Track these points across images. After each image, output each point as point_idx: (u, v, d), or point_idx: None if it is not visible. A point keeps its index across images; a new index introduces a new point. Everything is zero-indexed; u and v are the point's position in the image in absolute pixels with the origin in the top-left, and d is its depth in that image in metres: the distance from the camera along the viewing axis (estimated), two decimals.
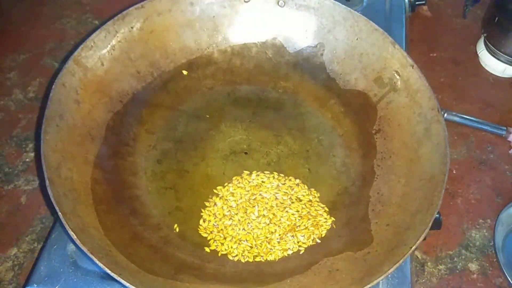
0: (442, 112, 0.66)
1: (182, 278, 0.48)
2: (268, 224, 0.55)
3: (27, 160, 0.71)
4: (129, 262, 0.47)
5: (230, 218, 0.55)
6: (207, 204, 0.57)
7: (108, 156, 0.57)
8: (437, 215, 0.55)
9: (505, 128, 0.73)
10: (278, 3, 0.66)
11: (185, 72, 0.67)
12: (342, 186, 0.59)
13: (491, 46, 0.81)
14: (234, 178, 0.59)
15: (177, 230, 0.55)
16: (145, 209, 0.56)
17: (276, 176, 0.59)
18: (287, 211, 0.56)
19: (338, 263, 0.50)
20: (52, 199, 0.45)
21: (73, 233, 0.44)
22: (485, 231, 0.65)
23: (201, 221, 0.55)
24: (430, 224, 0.47)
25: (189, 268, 0.50)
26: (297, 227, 0.55)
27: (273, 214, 0.56)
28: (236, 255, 0.53)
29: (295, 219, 0.55)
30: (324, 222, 0.55)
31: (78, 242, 0.43)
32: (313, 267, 0.51)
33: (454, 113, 0.75)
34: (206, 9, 0.66)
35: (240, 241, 0.54)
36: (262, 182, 0.58)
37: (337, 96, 0.66)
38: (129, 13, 0.61)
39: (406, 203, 0.53)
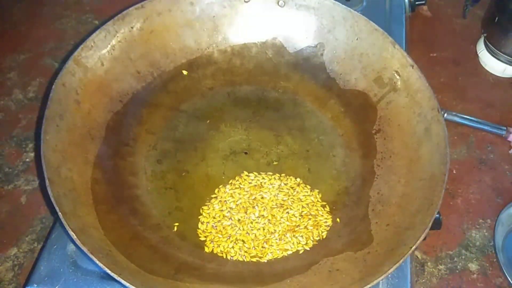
0: (442, 112, 0.66)
1: (182, 278, 0.48)
2: (268, 225, 0.55)
3: (27, 160, 0.72)
4: (129, 262, 0.47)
5: (229, 219, 0.55)
6: (204, 207, 0.56)
7: (108, 156, 0.57)
8: (437, 215, 0.55)
9: (505, 128, 0.73)
10: (278, 3, 0.66)
11: (185, 72, 0.67)
12: (342, 186, 0.59)
13: (491, 46, 0.81)
14: (231, 181, 0.59)
15: (175, 229, 0.55)
16: (145, 209, 0.56)
17: (277, 177, 0.59)
18: (287, 212, 0.56)
19: (338, 263, 0.50)
20: (52, 199, 0.45)
21: (73, 233, 0.44)
22: (485, 231, 0.65)
23: (199, 224, 0.55)
24: (430, 224, 0.47)
25: (189, 268, 0.50)
26: (296, 227, 0.55)
27: (273, 215, 0.56)
28: (234, 255, 0.53)
29: (296, 220, 0.55)
30: (324, 222, 0.55)
31: (78, 242, 0.43)
32: (313, 267, 0.51)
33: (454, 113, 0.75)
34: (206, 9, 0.66)
35: (238, 240, 0.54)
36: (263, 182, 0.58)
37: (337, 96, 0.66)
38: (129, 13, 0.61)
39: (406, 203, 0.53)
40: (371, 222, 0.54)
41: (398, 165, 0.57)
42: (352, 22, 0.63)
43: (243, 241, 0.54)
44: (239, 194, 0.57)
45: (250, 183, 0.58)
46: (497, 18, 0.78)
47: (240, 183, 0.58)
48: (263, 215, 0.56)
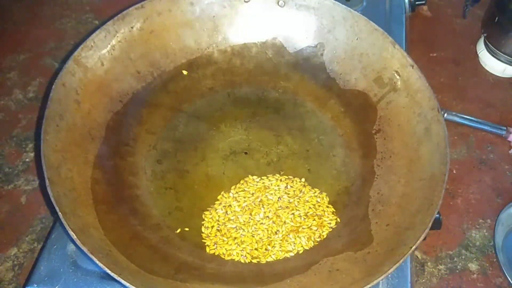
0: (442, 112, 0.66)
1: (182, 278, 0.48)
2: (271, 225, 0.55)
3: (27, 160, 0.72)
4: (129, 262, 0.47)
5: (234, 222, 0.55)
6: (207, 213, 0.56)
7: (108, 156, 0.57)
8: (437, 215, 0.55)
9: (505, 128, 0.73)
10: (278, 3, 0.66)
11: (185, 72, 0.67)
12: (342, 186, 0.59)
13: (491, 46, 0.81)
14: (235, 186, 0.58)
15: (178, 231, 0.55)
16: (145, 209, 0.56)
17: (283, 179, 0.59)
18: (293, 213, 0.56)
19: (338, 263, 0.50)
20: (52, 199, 0.45)
21: (73, 233, 0.44)
22: (485, 231, 0.65)
23: (203, 228, 0.55)
24: (430, 224, 0.47)
25: (189, 268, 0.50)
26: (300, 228, 0.55)
27: (278, 215, 0.55)
28: (236, 257, 0.53)
29: (300, 220, 0.55)
30: (328, 223, 0.55)
31: (78, 242, 0.43)
32: (313, 267, 0.51)
33: (454, 113, 0.75)
34: (206, 9, 0.66)
35: (242, 242, 0.54)
36: (270, 184, 0.58)
37: (337, 96, 0.66)
38: (129, 13, 0.61)
39: (406, 203, 0.53)
40: (371, 222, 0.54)
41: (398, 165, 0.57)
42: (352, 22, 0.63)
43: (247, 243, 0.54)
44: (244, 197, 0.57)
45: (255, 185, 0.58)
46: (497, 18, 0.78)
47: (245, 187, 0.58)
48: (268, 217, 0.55)
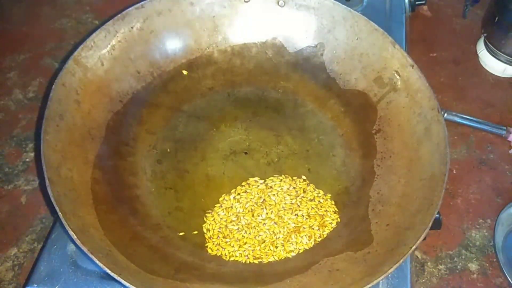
0: (442, 112, 0.66)
1: (182, 278, 0.48)
2: (273, 226, 0.55)
3: (27, 160, 0.72)
4: (129, 262, 0.47)
5: (236, 223, 0.55)
6: (208, 215, 0.56)
7: (108, 156, 0.57)
8: (437, 215, 0.55)
9: (505, 128, 0.73)
10: (278, 3, 0.66)
11: (185, 72, 0.67)
12: (342, 186, 0.59)
13: (491, 46, 0.81)
14: (236, 188, 0.58)
15: (181, 234, 0.55)
16: (145, 209, 0.56)
17: (287, 180, 0.59)
18: (296, 214, 0.56)
19: (338, 263, 0.50)
20: (52, 199, 0.45)
21: (73, 233, 0.44)
22: (485, 231, 0.65)
23: (204, 230, 0.55)
24: (430, 224, 0.47)
25: (189, 268, 0.50)
26: (301, 228, 0.55)
27: (280, 216, 0.55)
28: (239, 258, 0.53)
29: (302, 221, 0.55)
30: (330, 223, 0.55)
31: (78, 242, 0.43)
32: (313, 267, 0.51)
33: (454, 113, 0.75)
34: (206, 9, 0.66)
35: (244, 244, 0.54)
36: (273, 185, 0.58)
37: (337, 96, 0.66)
38: (129, 13, 0.61)
39: (406, 203, 0.53)
40: (371, 222, 0.54)
41: (398, 165, 0.57)
42: (352, 22, 0.63)
43: (249, 244, 0.54)
44: (246, 198, 0.57)
45: (258, 187, 0.58)
46: (497, 18, 0.78)
47: (246, 188, 0.58)
48: (270, 217, 0.55)
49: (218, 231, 0.55)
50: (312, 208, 0.56)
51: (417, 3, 0.86)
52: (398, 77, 0.60)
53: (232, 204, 0.57)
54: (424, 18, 0.92)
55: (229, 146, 0.63)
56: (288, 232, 0.54)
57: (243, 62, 0.69)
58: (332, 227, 0.55)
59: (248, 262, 0.53)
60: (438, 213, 0.54)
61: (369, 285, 0.44)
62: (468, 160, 0.72)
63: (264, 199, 0.57)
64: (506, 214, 0.65)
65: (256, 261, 0.53)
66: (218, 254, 0.53)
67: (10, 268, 0.62)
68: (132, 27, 0.62)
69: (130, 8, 0.61)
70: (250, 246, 0.53)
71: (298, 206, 0.56)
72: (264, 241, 0.54)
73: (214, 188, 0.58)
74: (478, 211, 0.67)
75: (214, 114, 0.66)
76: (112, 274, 0.42)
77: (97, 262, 0.43)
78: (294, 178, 0.59)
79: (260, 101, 0.67)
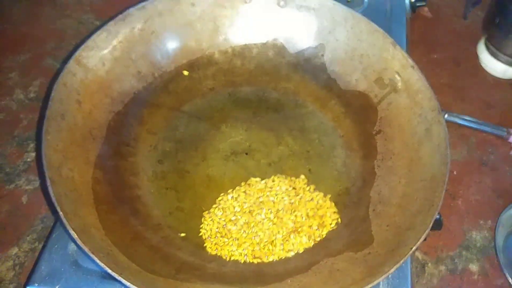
0: (443, 113, 0.66)
1: (183, 278, 0.48)
2: (272, 226, 0.55)
3: (28, 160, 0.72)
4: (130, 262, 0.47)
5: (235, 224, 0.55)
6: (206, 215, 0.56)
7: (109, 156, 0.57)
8: (438, 216, 0.55)
9: (505, 129, 0.73)
10: (279, 4, 0.66)
11: (186, 73, 0.67)
12: (342, 187, 0.59)
13: (492, 47, 0.81)
14: (236, 188, 0.58)
15: (183, 235, 0.55)
16: (146, 209, 0.56)
17: (286, 181, 0.59)
18: (295, 215, 0.56)
19: (339, 264, 0.50)
20: (53, 199, 0.45)
21: (74, 232, 0.44)
22: (485, 232, 0.65)
23: (202, 230, 0.55)
24: (430, 225, 0.47)
25: (190, 268, 0.50)
26: (300, 227, 0.55)
27: (279, 216, 0.55)
28: (238, 258, 0.53)
29: (301, 221, 0.55)
30: (329, 223, 0.55)
31: (79, 241, 0.43)
32: (314, 267, 0.51)
33: (454, 114, 0.75)
34: (207, 9, 0.66)
35: (243, 243, 0.54)
36: (272, 185, 0.58)
37: (337, 97, 0.66)
38: (130, 14, 0.61)
39: (406, 203, 0.53)
40: (372, 222, 0.54)
41: (399, 165, 0.57)
42: (352, 23, 0.63)
43: (248, 243, 0.54)
44: (245, 198, 0.57)
45: (257, 187, 0.58)
46: (497, 20, 0.78)
47: (245, 189, 0.58)
48: (269, 217, 0.55)
49: (216, 231, 0.55)
50: (311, 208, 0.56)
51: (417, 4, 0.86)
52: (398, 78, 0.60)
53: (230, 204, 0.57)
54: (424, 19, 0.92)
55: (230, 147, 0.63)
56: (287, 232, 0.54)
57: (244, 62, 0.69)
58: (331, 227, 0.55)
59: (248, 262, 0.53)
60: (439, 214, 0.54)
61: (369, 286, 0.44)
62: (469, 161, 0.72)
63: (262, 199, 0.57)
64: (507, 215, 0.65)
65: (255, 261, 0.53)
66: (218, 254, 0.53)
67: (11, 267, 0.62)
68: (133, 28, 0.62)
69: (131, 9, 0.61)
70: (249, 246, 0.53)
71: (297, 206, 0.56)
72: (263, 240, 0.54)
73: (214, 189, 0.58)
74: (478, 212, 0.67)
75: (215, 114, 0.66)
76: (113, 274, 0.42)
77: (98, 261, 0.43)
78: (293, 178, 0.59)
79: (260, 102, 0.67)
